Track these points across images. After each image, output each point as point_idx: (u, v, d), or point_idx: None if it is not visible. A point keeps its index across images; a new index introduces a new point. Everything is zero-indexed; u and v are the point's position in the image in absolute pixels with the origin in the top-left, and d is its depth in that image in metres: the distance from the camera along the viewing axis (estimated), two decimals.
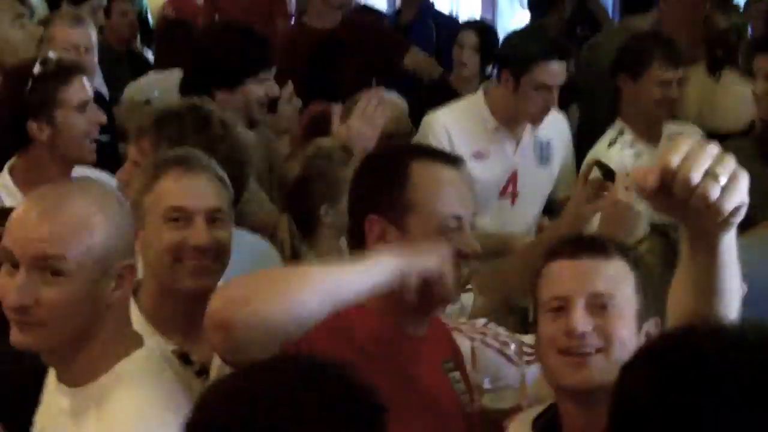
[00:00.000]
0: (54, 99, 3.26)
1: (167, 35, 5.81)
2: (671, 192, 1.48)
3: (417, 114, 4.29)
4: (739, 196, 1.50)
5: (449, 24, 6.28)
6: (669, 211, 1.54)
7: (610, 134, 4.37)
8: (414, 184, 2.19)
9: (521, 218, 4.13)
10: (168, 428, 1.82)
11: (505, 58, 4.03)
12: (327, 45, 5.11)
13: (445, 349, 2.39)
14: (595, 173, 2.90)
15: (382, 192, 2.20)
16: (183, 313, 2.39)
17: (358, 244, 2.24)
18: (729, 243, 1.59)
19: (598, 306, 2.06)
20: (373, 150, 2.53)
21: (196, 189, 2.42)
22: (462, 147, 3.91)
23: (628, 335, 2.06)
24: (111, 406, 1.96)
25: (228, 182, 2.49)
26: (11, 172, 3.33)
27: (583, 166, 2.94)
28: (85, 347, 2.00)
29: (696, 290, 1.65)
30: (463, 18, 7.23)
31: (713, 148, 1.48)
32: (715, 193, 1.47)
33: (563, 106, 4.42)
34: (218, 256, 2.42)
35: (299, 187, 3.22)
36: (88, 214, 1.97)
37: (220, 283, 2.32)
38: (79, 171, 3.38)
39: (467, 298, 2.91)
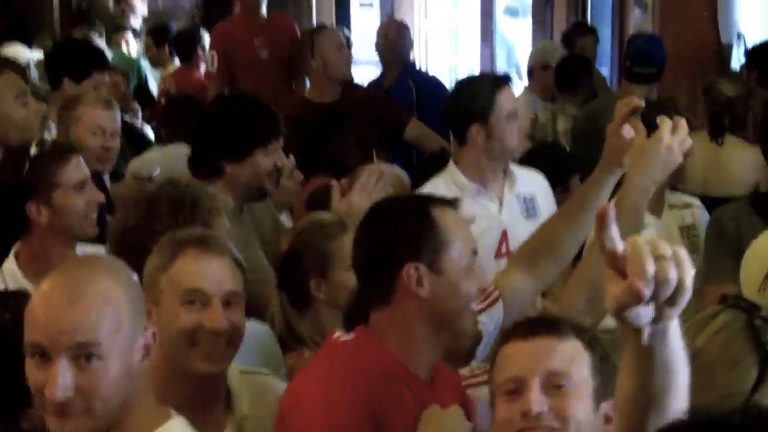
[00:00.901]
0: (51, 181, 3.27)
1: (172, 109, 5.81)
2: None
3: (418, 186, 4.28)
4: (690, 266, 1.50)
5: (431, 84, 6.33)
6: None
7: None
8: (441, 226, 2.35)
9: None
10: None
11: None
12: (327, 118, 5.13)
13: (453, 397, 2.40)
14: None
15: (415, 238, 2.33)
16: (192, 395, 2.39)
17: (383, 297, 2.34)
18: (677, 331, 1.58)
19: (554, 386, 2.06)
20: (380, 205, 2.55)
21: (215, 272, 2.42)
22: None
23: (584, 415, 2.05)
24: None
25: (243, 264, 2.49)
26: (16, 258, 3.31)
27: (620, 105, 2.81)
28: (121, 421, 1.99)
29: (654, 386, 1.62)
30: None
31: (640, 239, 1.50)
32: (672, 272, 1.48)
33: (563, 182, 4.42)
34: (232, 339, 2.43)
35: (288, 261, 3.14)
36: (111, 293, 1.97)
37: None
38: (80, 249, 3.37)
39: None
